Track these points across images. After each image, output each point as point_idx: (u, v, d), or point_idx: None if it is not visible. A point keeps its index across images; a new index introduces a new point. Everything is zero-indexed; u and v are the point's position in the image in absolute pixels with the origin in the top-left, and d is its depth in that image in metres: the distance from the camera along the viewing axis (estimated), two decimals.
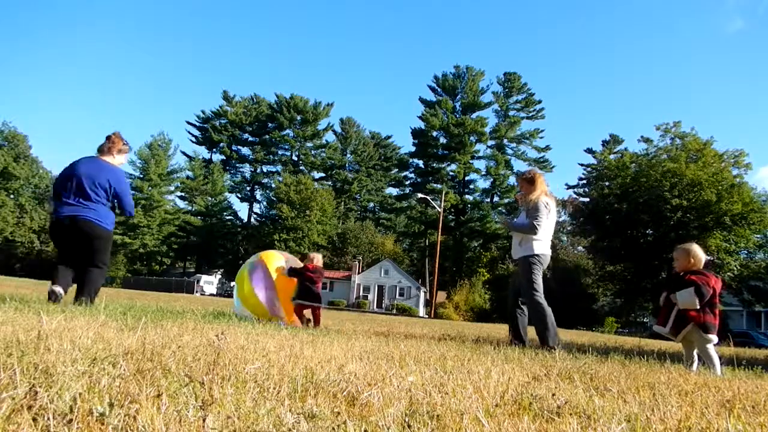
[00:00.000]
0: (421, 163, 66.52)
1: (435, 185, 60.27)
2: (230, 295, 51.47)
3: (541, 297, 4.92)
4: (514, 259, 5.20)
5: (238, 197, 72.15)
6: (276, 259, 6.27)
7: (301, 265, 6.29)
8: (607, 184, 43.95)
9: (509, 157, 63.43)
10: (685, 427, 1.64)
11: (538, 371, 2.71)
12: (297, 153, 71.22)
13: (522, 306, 5.11)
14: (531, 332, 5.17)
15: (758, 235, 37.66)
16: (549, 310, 4.91)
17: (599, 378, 2.65)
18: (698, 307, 3.79)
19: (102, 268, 5.02)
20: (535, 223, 4.95)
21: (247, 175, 72.91)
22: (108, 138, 5.10)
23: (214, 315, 5.51)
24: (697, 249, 4.11)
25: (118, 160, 5.12)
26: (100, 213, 4.83)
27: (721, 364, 3.83)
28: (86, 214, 4.76)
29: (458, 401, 1.70)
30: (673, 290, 3.95)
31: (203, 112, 71.68)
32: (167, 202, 61.59)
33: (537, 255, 5.01)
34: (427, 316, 39.82)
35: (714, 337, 3.84)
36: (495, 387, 2.03)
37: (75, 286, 4.95)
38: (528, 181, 5.21)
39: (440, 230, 43.21)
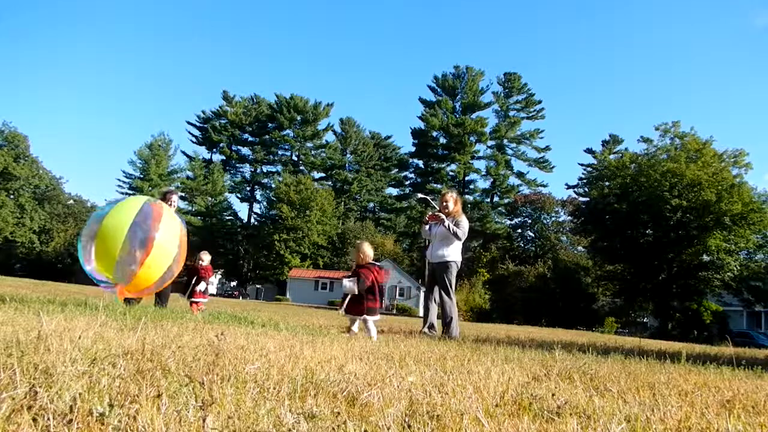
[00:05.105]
0: (421, 163, 66.49)
1: (435, 185, 60.26)
2: (231, 296, 50.96)
3: (452, 296, 5.99)
4: (434, 262, 6.11)
5: (238, 197, 72.02)
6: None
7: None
8: (607, 184, 43.88)
9: (509, 157, 63.44)
10: (685, 427, 1.64)
11: (538, 371, 2.71)
12: (297, 153, 71.17)
13: (435, 300, 6.09)
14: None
15: (758, 235, 37.52)
16: (455, 308, 6.02)
17: (599, 378, 2.65)
18: (357, 293, 4.86)
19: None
20: (464, 231, 6.00)
21: (247, 175, 72.82)
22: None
23: (214, 315, 5.51)
24: (365, 247, 5.19)
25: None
26: None
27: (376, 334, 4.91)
28: None
29: (458, 401, 1.70)
30: (350, 278, 4.99)
31: (203, 112, 71.53)
32: None
33: (457, 261, 6.03)
34: None
35: (375, 317, 5.04)
36: (495, 387, 2.03)
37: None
38: (455, 202, 6.20)
39: None
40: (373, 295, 4.98)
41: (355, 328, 5.03)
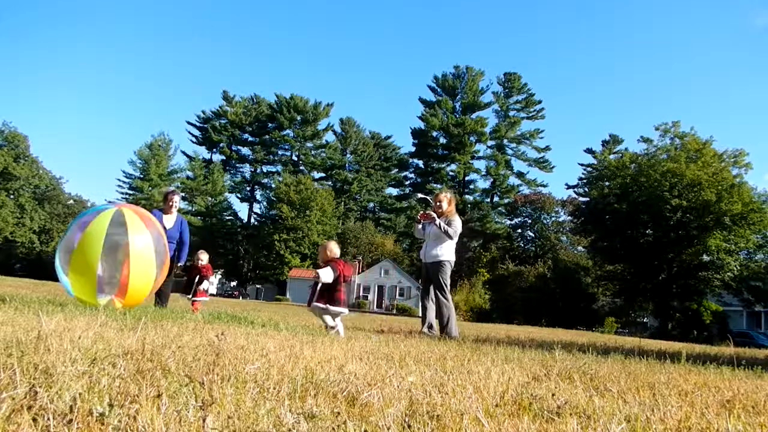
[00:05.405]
0: (421, 163, 66.53)
1: (435, 185, 60.27)
2: (231, 296, 50.99)
3: (448, 295, 5.99)
4: (428, 261, 6.13)
5: (238, 197, 72.03)
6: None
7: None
8: (607, 184, 43.87)
9: (509, 157, 63.45)
10: (685, 427, 1.64)
11: (538, 371, 2.71)
12: (297, 153, 71.17)
13: (431, 299, 6.06)
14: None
15: (758, 235, 37.50)
16: (452, 307, 6.03)
17: (599, 378, 2.65)
18: (331, 281, 4.98)
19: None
20: (456, 231, 6.03)
21: (247, 175, 72.82)
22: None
23: (214, 315, 5.51)
24: (332, 245, 5.34)
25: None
26: None
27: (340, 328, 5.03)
28: None
29: (458, 401, 1.70)
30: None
31: (203, 112, 71.55)
32: None
33: (450, 260, 6.07)
34: None
35: (344, 309, 5.15)
36: (495, 387, 2.03)
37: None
38: (449, 202, 6.24)
39: None
40: (339, 287, 5.12)
41: (330, 321, 5.09)
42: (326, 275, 4.97)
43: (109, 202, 4.87)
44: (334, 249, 5.28)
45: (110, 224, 4.38)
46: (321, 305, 5.06)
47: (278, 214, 56.99)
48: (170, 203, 6.66)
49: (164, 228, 6.45)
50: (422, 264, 6.36)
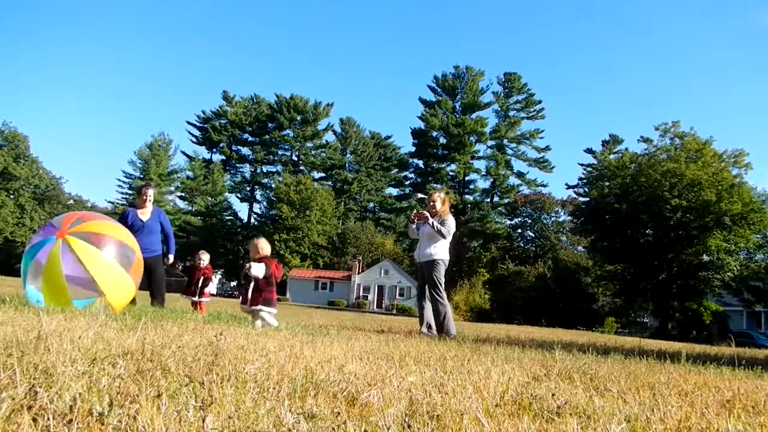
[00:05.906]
0: (421, 163, 66.50)
1: (435, 185, 60.23)
2: (231, 296, 50.92)
3: (443, 294, 6.00)
4: (422, 261, 6.16)
5: (238, 197, 72.01)
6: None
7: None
8: (606, 184, 43.85)
9: (509, 157, 63.42)
10: (685, 427, 1.64)
11: (538, 371, 2.71)
12: (297, 153, 71.16)
13: (428, 299, 6.10)
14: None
15: (758, 235, 37.49)
16: (448, 306, 6.04)
17: (599, 378, 2.65)
18: (262, 276, 4.87)
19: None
20: (450, 230, 6.07)
21: (247, 175, 72.80)
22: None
23: (214, 315, 5.52)
24: (262, 242, 5.24)
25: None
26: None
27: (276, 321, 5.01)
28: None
29: (458, 401, 1.70)
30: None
31: (203, 112, 71.51)
32: (167, 202, 61.40)
33: (444, 259, 6.09)
34: None
35: (273, 309, 5.05)
36: (495, 387, 2.03)
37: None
38: (443, 201, 6.29)
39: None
40: (270, 287, 5.04)
41: (262, 321, 4.98)
42: (258, 269, 4.85)
43: (50, 224, 4.77)
44: (264, 247, 5.18)
45: (62, 260, 4.31)
46: (265, 308, 4.95)
47: (278, 214, 56.99)
48: (144, 197, 6.70)
49: (141, 222, 6.49)
50: (417, 264, 6.38)
